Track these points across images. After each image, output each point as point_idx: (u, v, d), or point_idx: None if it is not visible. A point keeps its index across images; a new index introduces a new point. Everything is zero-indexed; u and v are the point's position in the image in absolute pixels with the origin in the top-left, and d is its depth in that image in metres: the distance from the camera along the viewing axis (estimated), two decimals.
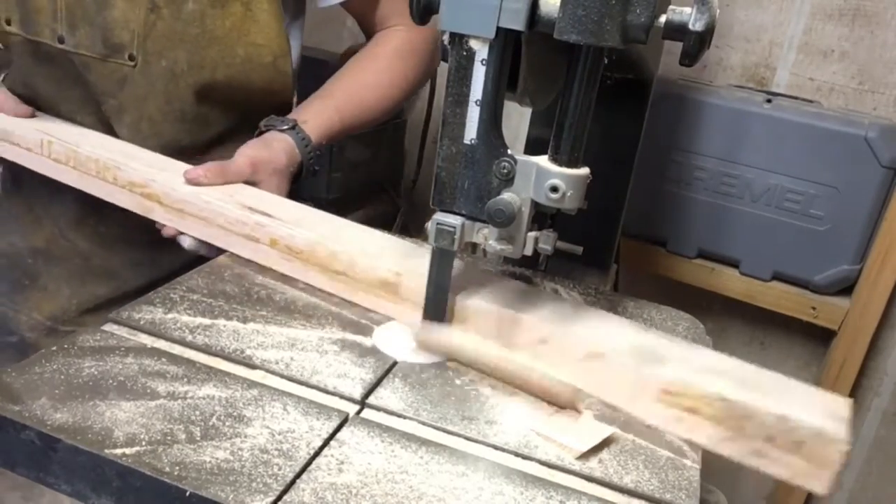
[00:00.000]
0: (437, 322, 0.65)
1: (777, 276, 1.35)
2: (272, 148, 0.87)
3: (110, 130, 0.91)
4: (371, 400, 0.58)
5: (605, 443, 0.57)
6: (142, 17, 0.85)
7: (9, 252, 1.00)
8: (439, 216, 0.62)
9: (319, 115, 0.93)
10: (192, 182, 0.79)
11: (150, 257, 0.95)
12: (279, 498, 0.46)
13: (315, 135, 0.91)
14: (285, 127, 0.89)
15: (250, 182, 0.84)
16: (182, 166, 0.83)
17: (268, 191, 0.85)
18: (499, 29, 0.56)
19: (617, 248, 1.05)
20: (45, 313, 0.97)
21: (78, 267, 0.97)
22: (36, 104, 0.95)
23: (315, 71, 1.05)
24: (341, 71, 0.99)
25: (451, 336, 0.64)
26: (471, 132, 0.60)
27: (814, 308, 1.32)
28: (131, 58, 0.87)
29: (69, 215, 0.95)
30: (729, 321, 1.51)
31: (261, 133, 0.90)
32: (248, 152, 0.85)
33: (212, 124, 0.92)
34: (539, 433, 0.56)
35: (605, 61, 0.58)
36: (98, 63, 0.88)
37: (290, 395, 0.57)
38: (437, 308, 0.65)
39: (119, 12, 0.85)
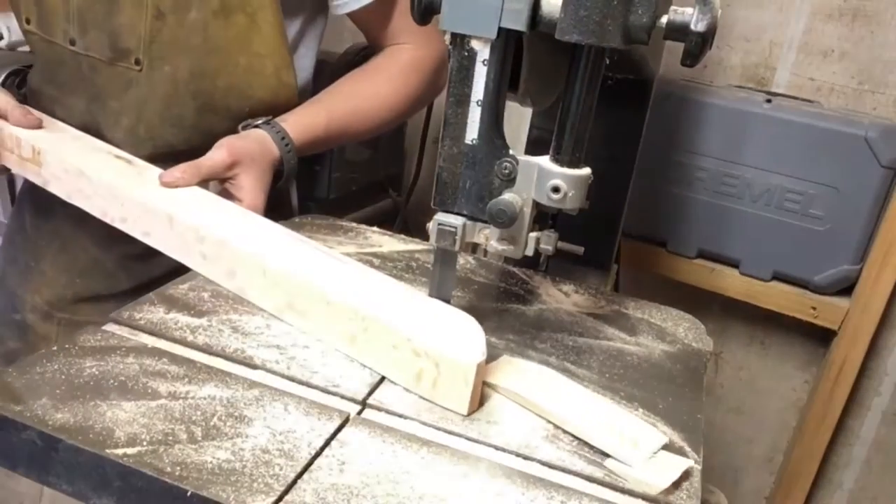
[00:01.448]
0: None
1: (777, 276, 1.35)
2: (247, 139, 0.86)
3: (105, 133, 0.90)
4: (372, 400, 0.58)
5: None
6: (148, 23, 0.85)
7: (27, 229, 1.01)
8: (441, 216, 0.62)
9: (303, 115, 0.92)
10: (169, 185, 0.78)
11: (147, 257, 0.94)
12: (280, 498, 0.46)
13: (295, 132, 0.89)
14: (259, 122, 0.89)
15: (229, 176, 0.83)
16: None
17: (247, 183, 0.83)
18: (500, 29, 0.56)
19: (617, 248, 1.05)
20: (44, 297, 0.98)
21: (77, 259, 0.97)
22: (43, 102, 0.95)
23: (315, 69, 1.04)
24: (342, 79, 0.99)
25: None
26: (472, 132, 0.60)
27: (814, 308, 1.33)
28: (137, 62, 0.87)
29: (73, 209, 0.95)
30: (729, 321, 1.51)
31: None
32: (223, 142, 0.84)
33: (209, 132, 0.91)
34: (614, 470, 0.55)
35: (607, 62, 0.58)
36: (106, 66, 0.89)
37: (291, 395, 0.57)
38: None
39: (126, 18, 0.86)
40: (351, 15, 0.98)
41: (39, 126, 0.87)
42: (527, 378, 0.62)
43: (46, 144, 0.82)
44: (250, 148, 0.85)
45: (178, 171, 0.79)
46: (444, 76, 1.03)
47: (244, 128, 0.90)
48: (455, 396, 0.58)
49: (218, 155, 0.82)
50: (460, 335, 0.60)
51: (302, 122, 0.91)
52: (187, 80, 0.88)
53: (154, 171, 0.82)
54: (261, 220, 0.77)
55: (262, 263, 0.67)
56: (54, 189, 0.82)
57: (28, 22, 0.93)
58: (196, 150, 0.90)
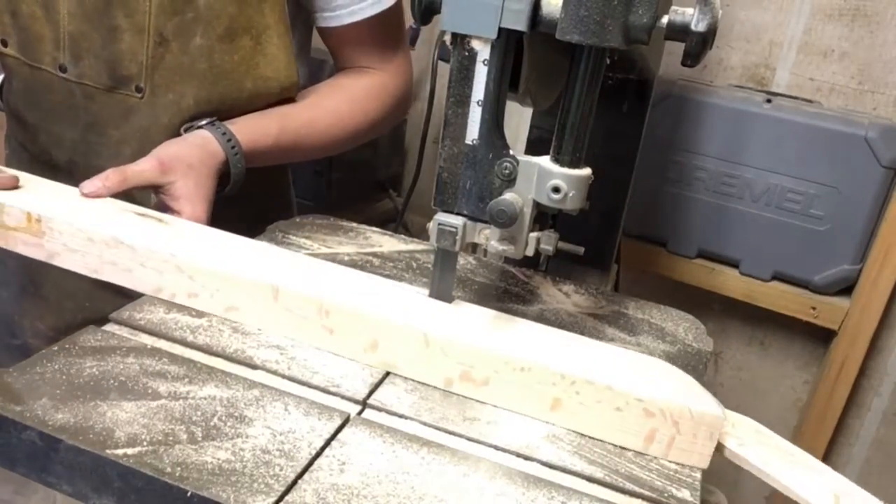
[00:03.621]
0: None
1: (777, 276, 1.35)
2: (185, 142, 0.81)
3: (105, 163, 0.81)
4: (372, 400, 0.58)
5: None
6: (150, 49, 0.82)
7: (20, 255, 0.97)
8: (441, 216, 0.62)
9: (253, 119, 0.87)
10: (92, 195, 0.72)
11: None
12: (281, 498, 0.46)
13: (243, 135, 0.84)
14: (203, 123, 0.84)
15: (162, 183, 0.77)
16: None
17: (184, 192, 0.77)
18: (501, 29, 0.55)
19: (617, 248, 1.05)
20: (48, 323, 0.95)
21: (83, 281, 0.93)
22: (25, 127, 0.90)
23: (311, 69, 1.04)
24: (302, 92, 0.95)
25: None
26: (472, 132, 0.60)
27: (814, 308, 1.33)
28: (138, 89, 0.84)
29: None
30: (729, 321, 1.51)
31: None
32: (154, 151, 0.78)
33: None
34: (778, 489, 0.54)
35: (607, 62, 0.58)
36: (103, 94, 0.84)
37: (291, 395, 0.57)
38: None
39: (126, 45, 0.82)
40: (328, 30, 0.94)
41: (15, 186, 0.71)
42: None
43: (44, 207, 0.67)
44: (186, 153, 0.78)
45: (100, 179, 0.73)
46: (406, 105, 1.02)
47: (186, 130, 0.84)
48: (696, 453, 0.55)
49: (146, 162, 0.76)
50: (679, 386, 0.57)
51: (251, 126, 0.86)
52: (192, 107, 0.85)
53: (205, 228, 0.73)
54: (384, 281, 0.68)
55: (422, 331, 0.59)
56: (68, 264, 0.68)
57: (5, 45, 0.86)
58: None
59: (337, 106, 0.94)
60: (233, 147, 0.82)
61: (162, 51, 0.82)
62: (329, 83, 0.97)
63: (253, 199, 0.90)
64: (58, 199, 0.71)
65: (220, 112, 0.86)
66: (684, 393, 0.56)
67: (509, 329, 0.62)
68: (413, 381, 0.61)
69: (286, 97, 0.90)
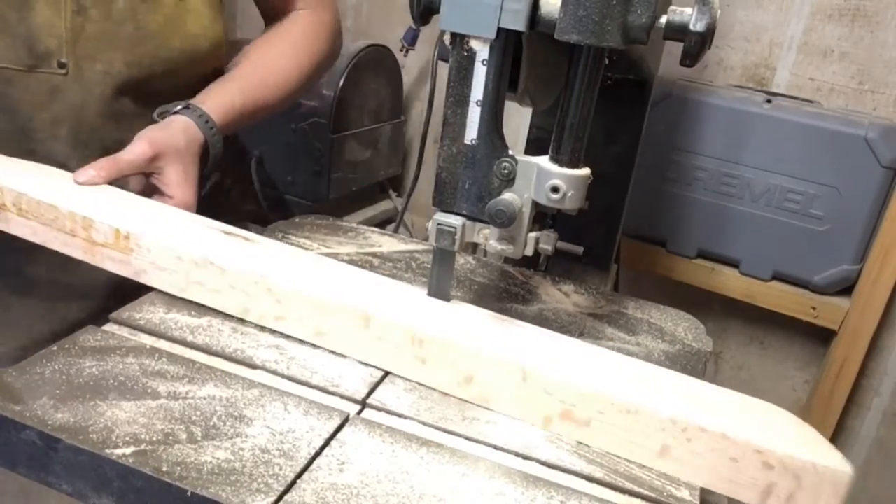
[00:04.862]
0: None
1: (777, 276, 1.35)
2: (169, 128, 0.79)
3: (39, 146, 0.82)
4: (372, 400, 0.58)
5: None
6: (68, 20, 0.78)
7: None
8: (440, 216, 0.62)
9: (218, 95, 0.86)
10: (86, 183, 0.72)
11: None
12: (280, 498, 0.46)
13: (216, 114, 0.83)
14: (178, 108, 0.82)
15: (153, 170, 0.76)
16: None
17: (174, 177, 0.77)
18: (500, 29, 0.55)
19: (617, 248, 1.05)
20: (12, 344, 0.87)
21: (45, 295, 0.88)
22: None
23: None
24: (245, 51, 0.94)
25: None
26: (472, 132, 0.60)
27: (814, 308, 1.33)
28: (61, 65, 0.80)
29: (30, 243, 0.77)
30: (729, 321, 1.51)
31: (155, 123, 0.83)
32: (145, 135, 0.77)
33: (150, 118, 0.86)
34: None
35: (606, 62, 0.58)
36: (23, 76, 0.79)
37: (290, 395, 0.57)
38: None
39: (42, 18, 0.77)
40: None
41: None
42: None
43: (135, 224, 0.66)
44: (174, 138, 0.78)
45: (94, 168, 0.72)
46: (340, 40, 1.02)
47: (161, 115, 0.83)
48: None
49: (138, 147, 0.75)
50: (800, 436, 0.54)
51: (219, 103, 0.85)
52: (124, 72, 0.82)
53: (293, 249, 0.71)
54: (472, 308, 0.66)
55: (520, 366, 0.57)
56: (154, 281, 0.66)
57: None
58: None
59: (283, 61, 0.94)
60: (211, 128, 0.82)
61: (81, 20, 0.79)
62: (266, 38, 0.97)
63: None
64: (146, 215, 0.70)
65: (153, 74, 0.84)
66: (806, 444, 0.52)
67: (607, 364, 0.59)
68: (413, 381, 0.61)
69: (216, 54, 0.90)
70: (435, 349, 0.59)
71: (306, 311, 0.62)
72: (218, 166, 0.86)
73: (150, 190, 0.78)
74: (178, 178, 0.77)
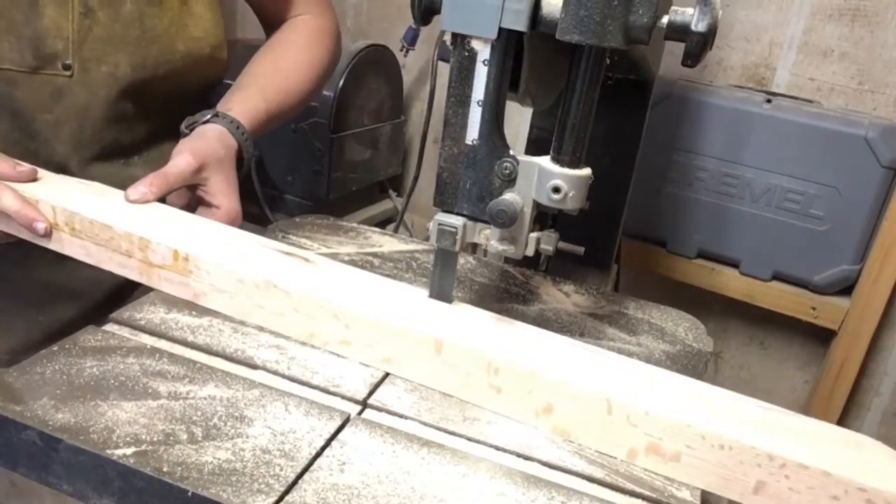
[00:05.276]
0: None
1: (777, 276, 1.36)
2: (206, 138, 0.80)
3: (41, 147, 0.82)
4: (373, 400, 0.58)
5: None
6: (75, 22, 0.79)
7: None
8: (441, 216, 0.62)
9: (243, 101, 0.87)
10: (138, 201, 0.71)
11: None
12: (281, 498, 0.46)
13: (244, 120, 0.84)
14: (208, 117, 0.82)
15: (198, 181, 0.77)
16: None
17: (219, 187, 0.77)
18: (501, 29, 0.55)
19: (617, 248, 1.05)
20: (3, 347, 0.84)
21: (35, 296, 0.87)
22: None
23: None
24: (256, 59, 0.95)
25: None
26: (473, 132, 0.60)
27: (814, 308, 1.33)
28: (66, 67, 0.80)
29: (23, 246, 0.76)
30: (729, 321, 1.51)
31: (185, 136, 0.83)
32: (187, 147, 0.77)
33: (151, 120, 0.88)
34: None
35: (607, 62, 0.58)
36: (27, 77, 0.80)
37: (291, 395, 0.56)
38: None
39: (49, 20, 0.78)
40: None
41: (34, 179, 0.70)
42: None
43: (193, 245, 0.64)
44: (213, 148, 0.79)
45: (144, 184, 0.72)
46: (340, 44, 1.04)
47: (190, 126, 0.83)
48: None
49: (183, 161, 0.75)
50: None
51: (246, 109, 0.86)
52: (128, 74, 0.83)
53: (355, 270, 0.68)
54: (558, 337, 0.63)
55: (605, 397, 0.54)
56: (214, 304, 0.65)
57: None
58: (139, 143, 0.87)
59: (296, 67, 0.95)
60: (243, 134, 0.83)
61: (89, 22, 0.79)
62: (273, 44, 0.98)
63: None
64: (202, 235, 0.68)
65: (156, 77, 0.85)
66: None
67: (689, 391, 0.57)
68: (412, 381, 0.61)
69: (217, 56, 0.90)
70: (512, 378, 0.57)
71: (374, 336, 0.60)
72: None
73: (192, 202, 0.79)
74: (223, 187, 0.78)
